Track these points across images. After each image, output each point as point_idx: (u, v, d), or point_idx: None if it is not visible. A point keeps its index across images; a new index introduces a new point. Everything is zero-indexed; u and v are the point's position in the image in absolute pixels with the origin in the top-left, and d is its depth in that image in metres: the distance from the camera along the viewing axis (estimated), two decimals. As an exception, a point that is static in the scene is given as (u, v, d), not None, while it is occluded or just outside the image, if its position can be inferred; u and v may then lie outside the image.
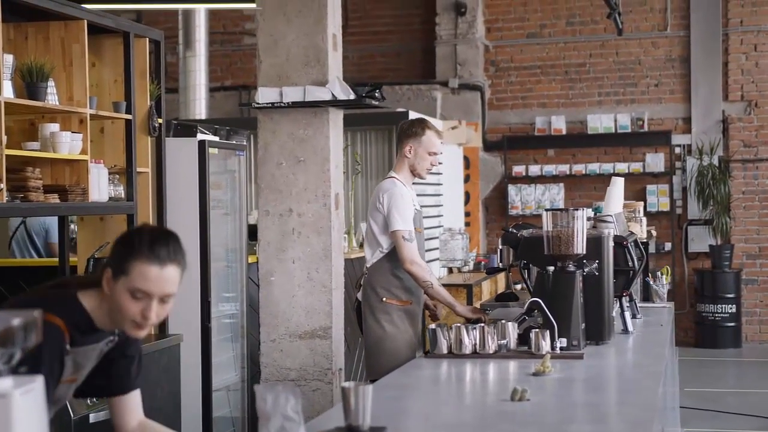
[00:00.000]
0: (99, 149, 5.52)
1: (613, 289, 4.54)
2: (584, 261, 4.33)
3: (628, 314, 4.86)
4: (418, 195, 5.41)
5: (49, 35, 5.15)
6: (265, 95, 5.44)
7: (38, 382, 1.77)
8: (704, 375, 10.11)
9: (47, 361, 2.56)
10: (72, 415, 4.58)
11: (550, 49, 12.53)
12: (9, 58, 4.75)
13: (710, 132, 12.04)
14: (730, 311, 11.65)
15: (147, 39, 5.83)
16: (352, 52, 12.33)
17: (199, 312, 6.08)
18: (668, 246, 12.07)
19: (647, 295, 6.15)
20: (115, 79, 5.60)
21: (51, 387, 2.61)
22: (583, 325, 4.24)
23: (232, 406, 6.62)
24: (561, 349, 4.12)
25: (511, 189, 12.40)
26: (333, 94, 5.36)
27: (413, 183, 5.23)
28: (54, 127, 5.02)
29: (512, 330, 4.20)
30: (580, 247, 4.25)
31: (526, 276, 4.67)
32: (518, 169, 12.39)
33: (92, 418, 4.69)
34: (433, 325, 4.22)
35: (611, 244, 4.54)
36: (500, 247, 4.92)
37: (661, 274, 6.25)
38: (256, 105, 5.47)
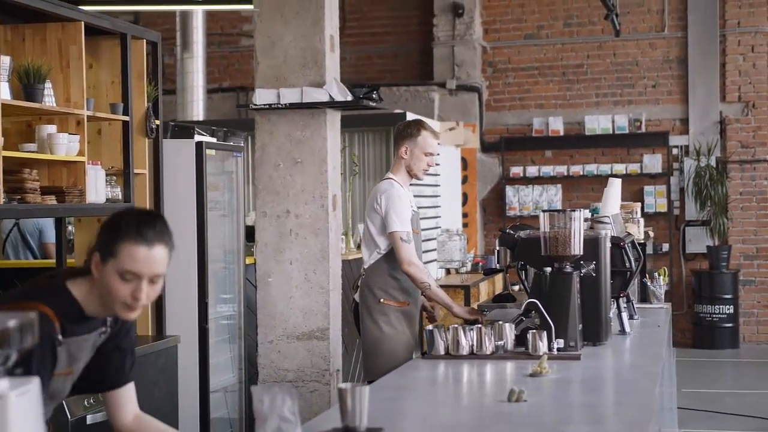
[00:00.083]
0: (96, 151, 5.52)
1: (610, 290, 4.54)
2: (581, 262, 4.33)
3: (625, 315, 4.86)
4: (415, 196, 5.42)
5: (46, 37, 5.14)
6: (262, 97, 5.44)
7: (34, 384, 1.77)
8: (702, 376, 10.11)
9: (38, 351, 2.56)
10: (69, 417, 4.57)
11: (547, 51, 12.53)
12: (6, 60, 4.74)
13: (708, 133, 12.04)
14: (727, 312, 11.65)
15: (144, 40, 5.82)
16: (350, 54, 12.32)
17: (196, 313, 6.08)
18: (666, 247, 12.07)
19: (644, 296, 6.15)
20: (112, 80, 5.59)
21: (45, 379, 2.61)
22: (580, 326, 4.24)
23: (230, 408, 6.62)
24: (558, 350, 4.12)
25: (509, 190, 12.40)
26: (330, 96, 5.36)
27: (410, 184, 5.24)
28: (51, 128, 5.02)
29: (509, 331, 4.20)
30: (577, 248, 4.25)
31: (524, 277, 4.68)
32: (516, 170, 12.40)
33: (89, 419, 4.68)
34: (430, 326, 4.22)
35: (608, 245, 4.54)
36: (498, 248, 4.93)
37: (659, 275, 6.25)
38: (254, 106, 5.47)
